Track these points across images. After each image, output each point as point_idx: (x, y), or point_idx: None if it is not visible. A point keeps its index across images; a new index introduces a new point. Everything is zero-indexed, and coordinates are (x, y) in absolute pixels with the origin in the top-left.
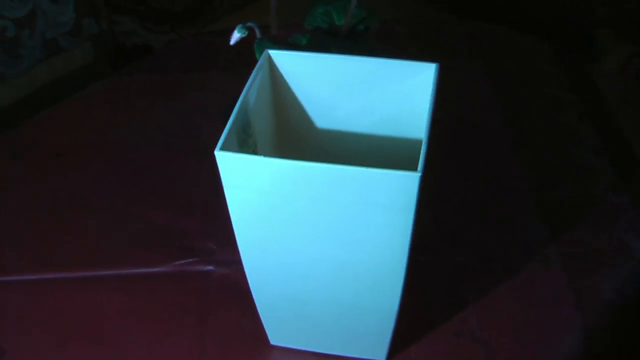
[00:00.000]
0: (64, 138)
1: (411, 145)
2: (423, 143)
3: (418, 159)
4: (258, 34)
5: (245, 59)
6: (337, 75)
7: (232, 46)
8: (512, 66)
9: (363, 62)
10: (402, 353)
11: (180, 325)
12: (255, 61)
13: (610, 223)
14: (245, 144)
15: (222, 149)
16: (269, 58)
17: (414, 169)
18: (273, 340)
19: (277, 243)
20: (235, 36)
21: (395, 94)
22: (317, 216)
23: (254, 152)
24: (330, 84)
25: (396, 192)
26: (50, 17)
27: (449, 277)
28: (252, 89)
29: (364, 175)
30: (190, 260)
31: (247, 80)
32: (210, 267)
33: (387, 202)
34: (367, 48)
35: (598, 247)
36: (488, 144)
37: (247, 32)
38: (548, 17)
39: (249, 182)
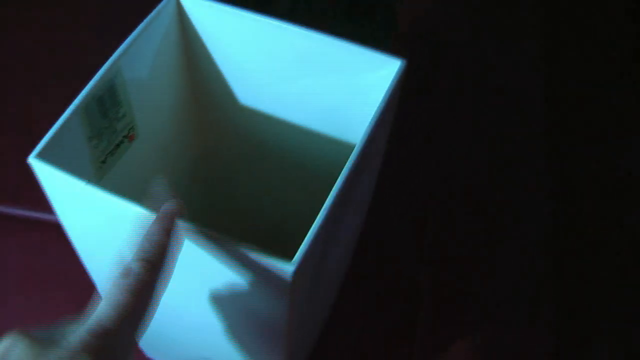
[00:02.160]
0: None
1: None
2: (343, 172)
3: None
4: None
5: None
6: (276, 47)
7: None
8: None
9: (311, 38)
10: None
11: None
12: None
13: None
14: (102, 135)
15: (45, 154)
16: (178, 5)
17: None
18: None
19: None
20: None
21: (343, 85)
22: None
23: (118, 146)
24: (265, 55)
25: (265, 285)
26: None
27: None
28: (132, 54)
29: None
30: None
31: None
32: None
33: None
34: None
35: None
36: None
37: None
38: None
39: (77, 207)
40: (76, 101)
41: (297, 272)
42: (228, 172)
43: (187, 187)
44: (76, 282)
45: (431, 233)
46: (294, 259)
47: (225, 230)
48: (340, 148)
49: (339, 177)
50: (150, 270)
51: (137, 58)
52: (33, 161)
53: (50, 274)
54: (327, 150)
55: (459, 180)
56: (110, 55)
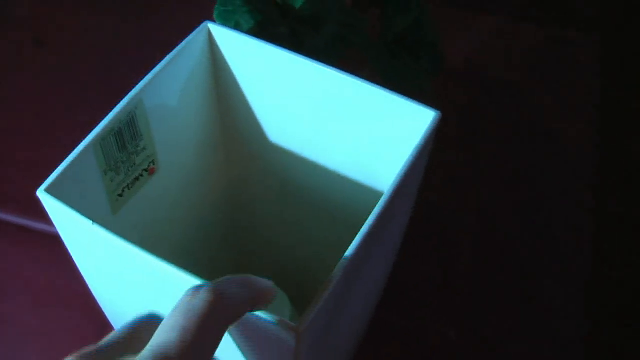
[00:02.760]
0: None
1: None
2: (366, 223)
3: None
4: None
5: None
6: (308, 86)
7: None
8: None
9: (344, 81)
10: None
11: None
12: None
13: None
14: (119, 168)
15: (54, 188)
16: (209, 36)
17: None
18: None
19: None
20: None
21: (374, 131)
22: None
23: (137, 179)
24: (296, 93)
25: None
26: None
27: None
28: (155, 86)
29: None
30: None
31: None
32: None
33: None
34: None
35: None
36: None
37: None
38: None
39: (87, 245)
40: (91, 134)
41: (303, 334)
42: (251, 208)
43: (209, 222)
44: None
45: (462, 287)
46: (299, 321)
47: (246, 267)
48: (369, 194)
49: (356, 237)
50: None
51: (163, 89)
52: (41, 194)
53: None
54: (355, 194)
55: (498, 237)
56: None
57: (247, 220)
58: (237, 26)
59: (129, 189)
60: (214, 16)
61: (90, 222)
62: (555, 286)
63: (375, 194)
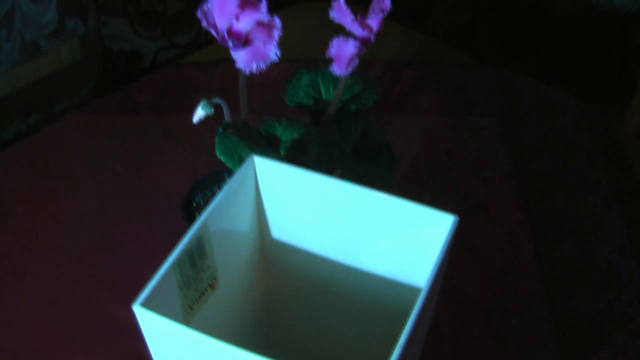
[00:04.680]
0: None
1: (406, 301)
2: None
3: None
4: (226, 115)
5: (227, 100)
6: (336, 203)
7: (212, 81)
8: (534, 128)
9: (369, 196)
10: None
11: None
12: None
13: None
14: (190, 284)
15: (146, 302)
16: (254, 167)
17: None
18: None
19: None
20: (199, 114)
21: (399, 238)
22: None
23: (203, 293)
24: (328, 209)
25: None
26: (30, 17)
27: None
28: (217, 212)
29: None
30: None
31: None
32: None
33: None
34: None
35: None
36: (500, 229)
37: (212, 110)
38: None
39: (174, 349)
40: (173, 256)
41: None
42: (288, 306)
43: (253, 325)
44: None
45: None
46: None
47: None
48: (400, 292)
49: (398, 343)
50: None
51: (221, 214)
52: (137, 309)
53: None
54: (385, 294)
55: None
56: None
57: (283, 318)
58: (240, 160)
59: (197, 302)
60: (217, 154)
61: (185, 327)
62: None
63: (406, 293)
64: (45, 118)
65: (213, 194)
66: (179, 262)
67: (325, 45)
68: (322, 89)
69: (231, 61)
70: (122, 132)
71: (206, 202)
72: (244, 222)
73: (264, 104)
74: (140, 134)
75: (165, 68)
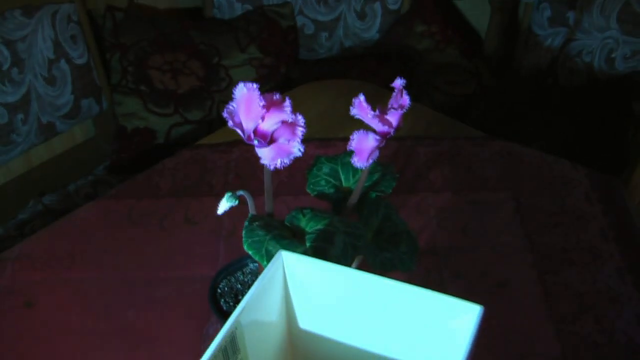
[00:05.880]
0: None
1: None
2: None
3: None
4: (251, 207)
5: (243, 182)
6: (362, 294)
7: (229, 166)
8: (545, 202)
9: (393, 286)
10: None
11: None
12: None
13: None
14: None
15: None
16: (282, 262)
17: None
18: None
19: None
20: (224, 206)
21: (425, 328)
22: None
23: None
24: (353, 300)
25: None
26: (46, 100)
27: None
28: (249, 307)
29: None
30: None
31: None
32: None
33: None
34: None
35: None
36: (516, 303)
37: (237, 201)
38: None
39: None
40: (207, 354)
41: None
42: None
43: None
44: None
45: None
46: None
47: None
48: None
49: None
50: None
51: (252, 309)
52: None
53: None
54: None
55: None
56: None
57: None
58: (267, 253)
59: None
60: (245, 248)
61: None
62: None
63: None
64: (61, 198)
65: (237, 281)
66: (213, 359)
67: (339, 124)
68: (342, 177)
69: (246, 143)
70: (144, 217)
71: (231, 288)
72: (273, 313)
73: (280, 183)
74: (162, 219)
75: (180, 147)
